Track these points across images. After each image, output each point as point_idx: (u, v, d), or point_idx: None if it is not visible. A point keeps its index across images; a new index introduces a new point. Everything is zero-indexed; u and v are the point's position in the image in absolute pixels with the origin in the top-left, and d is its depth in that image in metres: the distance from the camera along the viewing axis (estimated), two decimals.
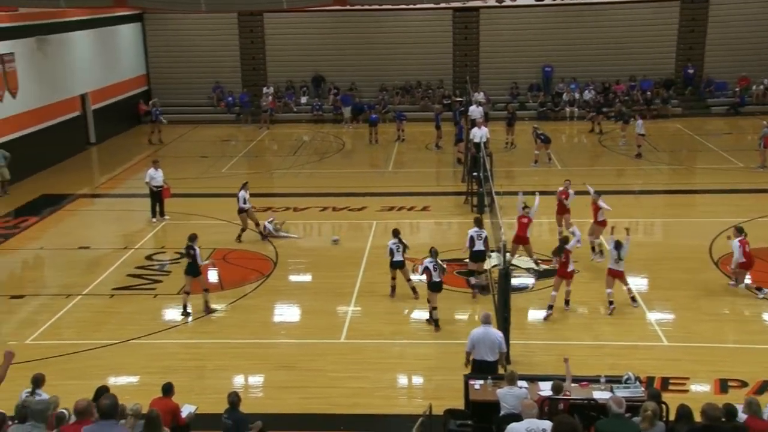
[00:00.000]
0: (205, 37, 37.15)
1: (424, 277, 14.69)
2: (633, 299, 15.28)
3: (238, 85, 37.49)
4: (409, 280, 15.81)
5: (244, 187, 19.40)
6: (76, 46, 30.67)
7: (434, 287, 14.42)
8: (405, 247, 15.63)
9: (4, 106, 25.49)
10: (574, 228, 16.15)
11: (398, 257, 15.56)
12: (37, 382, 9.74)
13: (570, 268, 14.98)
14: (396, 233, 15.71)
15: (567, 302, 15.20)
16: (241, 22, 37.02)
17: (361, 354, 13.67)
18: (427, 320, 14.79)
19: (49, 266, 18.96)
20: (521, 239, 16.86)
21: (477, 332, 11.48)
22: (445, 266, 14.76)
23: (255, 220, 19.65)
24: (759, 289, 15.71)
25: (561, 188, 18.41)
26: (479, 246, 15.76)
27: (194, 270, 15.27)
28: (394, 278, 15.93)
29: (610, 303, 14.95)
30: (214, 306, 15.63)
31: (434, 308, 14.54)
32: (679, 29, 36.19)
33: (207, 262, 16.28)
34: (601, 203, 17.34)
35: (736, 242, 15.59)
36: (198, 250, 15.34)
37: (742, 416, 8.28)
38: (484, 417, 10.11)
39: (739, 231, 15.76)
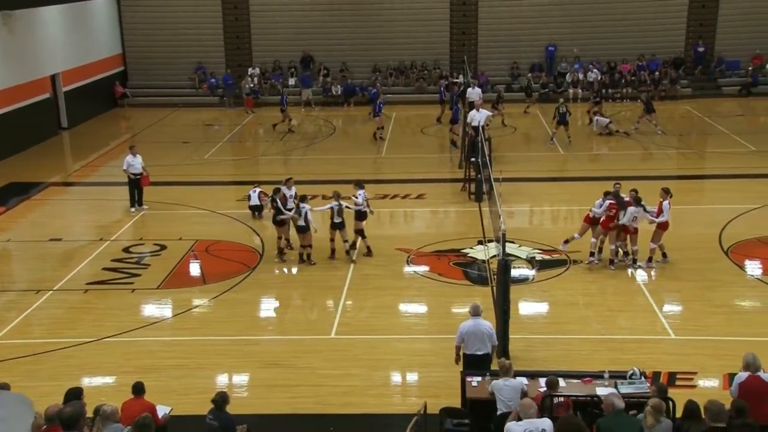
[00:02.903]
0: (186, 14, 36.91)
1: None
2: (633, 261, 16.51)
3: (222, 66, 37.30)
4: (345, 241, 17.40)
5: (287, 183, 18.24)
6: (45, 23, 30.39)
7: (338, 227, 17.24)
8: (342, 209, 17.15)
9: None
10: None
11: (337, 219, 17.08)
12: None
13: (612, 224, 16.34)
14: (338, 196, 17.13)
15: (592, 254, 16.67)
16: None
17: (352, 350, 13.68)
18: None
19: (18, 260, 18.90)
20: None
21: (467, 325, 11.47)
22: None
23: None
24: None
25: (610, 201, 16.67)
26: (364, 207, 17.56)
27: (279, 222, 17.52)
28: (333, 240, 17.40)
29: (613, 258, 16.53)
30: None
31: (346, 241, 17.31)
32: (689, 5, 35.99)
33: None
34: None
35: (666, 203, 16.25)
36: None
37: None
38: (482, 415, 10.15)
39: (667, 192, 16.48)
